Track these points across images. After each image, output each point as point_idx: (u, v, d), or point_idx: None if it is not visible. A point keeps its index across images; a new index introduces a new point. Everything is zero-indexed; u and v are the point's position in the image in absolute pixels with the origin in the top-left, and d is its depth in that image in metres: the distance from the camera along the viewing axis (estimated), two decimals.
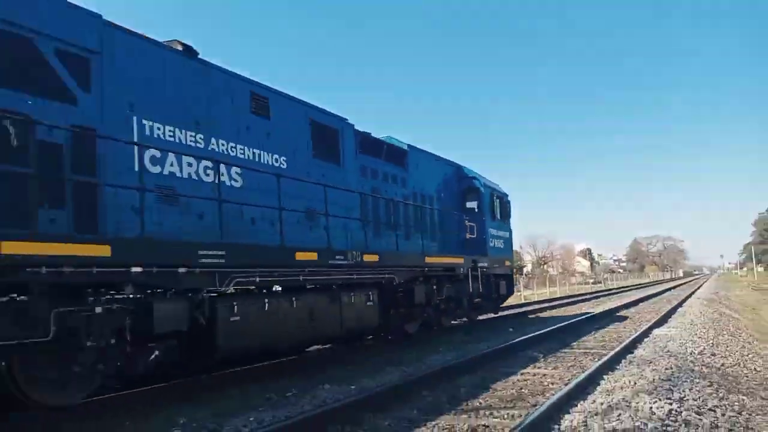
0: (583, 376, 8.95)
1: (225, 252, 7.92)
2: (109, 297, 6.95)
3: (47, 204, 6.68)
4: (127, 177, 7.60)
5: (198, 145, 8.85)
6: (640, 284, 70.83)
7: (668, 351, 11.65)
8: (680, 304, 25.26)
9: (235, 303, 8.28)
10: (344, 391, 8.54)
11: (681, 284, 64.84)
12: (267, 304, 8.81)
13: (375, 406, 7.40)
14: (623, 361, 10.65)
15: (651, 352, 11.58)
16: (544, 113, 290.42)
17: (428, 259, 13.19)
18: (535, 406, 7.47)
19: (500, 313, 20.21)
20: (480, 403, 7.82)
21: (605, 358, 10.41)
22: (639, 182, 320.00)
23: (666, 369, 9.73)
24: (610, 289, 50.10)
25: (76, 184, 7.00)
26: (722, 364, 10.86)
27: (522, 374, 9.86)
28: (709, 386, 8.63)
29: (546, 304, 27.41)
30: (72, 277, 6.30)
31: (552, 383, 9.11)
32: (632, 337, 13.49)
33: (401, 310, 13.02)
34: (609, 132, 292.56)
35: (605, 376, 9.31)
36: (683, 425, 6.58)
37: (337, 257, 10.11)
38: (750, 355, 12.60)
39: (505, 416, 7.19)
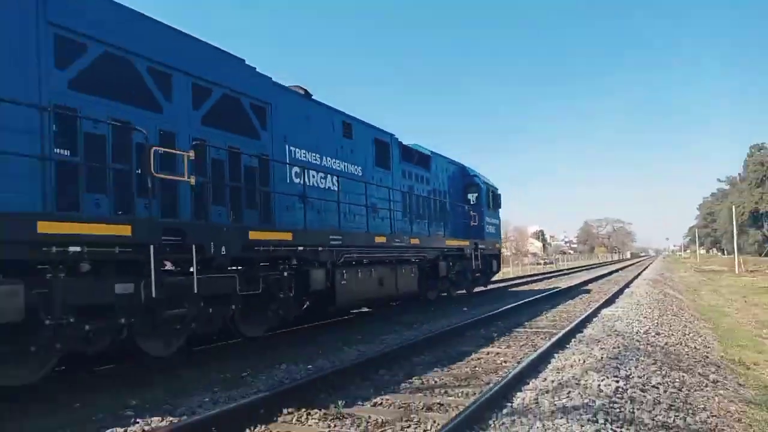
0: (534, 354, 9.27)
1: (341, 237, 11.65)
2: (285, 266, 10.35)
3: (250, 207, 10.01)
4: (284, 186, 10.97)
5: (316, 162, 12.21)
6: (589, 265, 72.42)
7: (616, 330, 12.10)
8: (627, 285, 26.08)
9: (344, 271, 11.99)
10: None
11: (628, 265, 66.38)
12: (360, 273, 12.62)
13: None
14: (573, 340, 11.02)
15: (600, 331, 12.01)
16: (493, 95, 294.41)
17: (447, 242, 17.32)
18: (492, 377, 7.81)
19: (479, 288, 22.67)
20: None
21: (556, 338, 10.78)
22: (590, 167, 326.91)
23: (613, 348, 10.12)
24: (561, 270, 51.14)
25: (262, 193, 10.28)
26: (666, 343, 11.34)
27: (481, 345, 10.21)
28: (653, 364, 9.04)
29: (503, 284, 28.74)
30: (275, 252, 9.89)
31: (505, 361, 9.44)
32: (582, 316, 13.93)
33: (428, 281, 16.84)
34: (557, 118, 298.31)
35: (556, 355, 9.66)
36: (629, 402, 6.91)
37: (396, 240, 13.86)
38: (691, 334, 13.19)
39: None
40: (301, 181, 11.54)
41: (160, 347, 8.20)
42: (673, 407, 6.98)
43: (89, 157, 7.29)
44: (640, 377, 8.10)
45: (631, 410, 6.56)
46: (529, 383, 7.65)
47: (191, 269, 8.17)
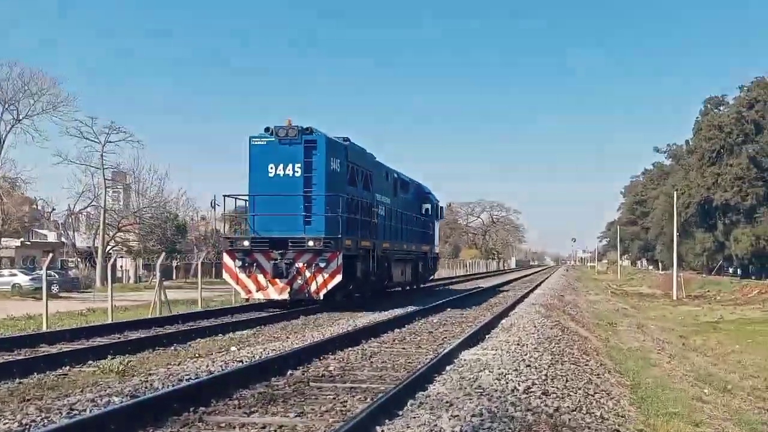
0: None
1: (395, 245, 37.81)
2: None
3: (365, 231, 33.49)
4: (378, 218, 35.40)
5: (385, 201, 37.19)
6: (449, 279, 73.54)
7: (479, 387, 11.87)
8: (506, 312, 26.56)
9: (393, 262, 37.51)
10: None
11: (511, 280, 68.34)
12: (395, 264, 38.25)
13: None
14: (410, 402, 10.67)
15: (453, 387, 11.73)
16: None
17: (422, 247, 44.96)
18: None
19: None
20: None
21: (381, 400, 10.33)
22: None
23: (473, 416, 9.83)
24: None
25: (371, 223, 34.45)
26: (557, 409, 11.25)
27: None
28: None
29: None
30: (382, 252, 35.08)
31: None
32: (428, 363, 13.67)
33: (411, 274, 42.88)
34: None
35: (379, 429, 9.22)
36: None
37: (405, 246, 40.25)
38: (597, 395, 13.29)
39: None
40: (380, 212, 35.51)
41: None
42: None
43: (357, 214, 31.71)
44: None
45: None
46: None
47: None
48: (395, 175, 39.70)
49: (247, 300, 29.69)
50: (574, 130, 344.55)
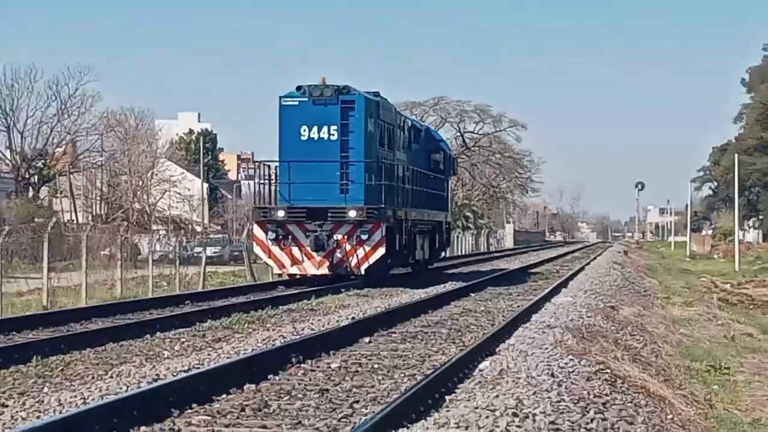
0: None
1: (419, 213, 32.35)
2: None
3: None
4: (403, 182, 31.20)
5: (402, 159, 31.64)
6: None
7: None
8: (492, 343, 16.80)
9: (417, 235, 32.39)
10: None
11: (495, 271, 57.68)
12: (418, 237, 33.04)
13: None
14: None
15: None
16: None
17: (438, 216, 36.49)
18: None
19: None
20: None
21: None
22: None
23: None
24: None
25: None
26: None
27: None
28: None
29: None
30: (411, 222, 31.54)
31: None
32: None
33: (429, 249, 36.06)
34: None
35: None
36: None
37: (426, 214, 34.09)
38: None
39: None
40: (400, 174, 30.64)
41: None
42: None
43: (390, 180, 29.04)
44: None
45: None
46: None
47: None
48: (409, 124, 34.61)
49: (281, 275, 28.55)
50: None
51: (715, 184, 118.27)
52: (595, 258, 64.08)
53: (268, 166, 28.93)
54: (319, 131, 26.71)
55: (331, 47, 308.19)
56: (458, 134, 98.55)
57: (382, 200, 27.12)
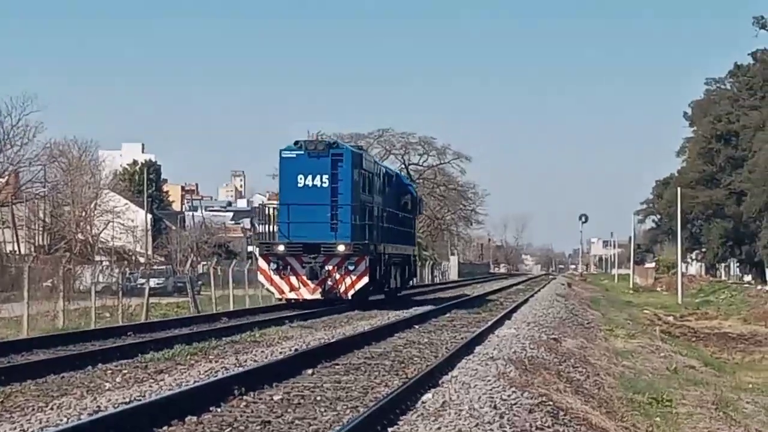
0: None
1: (392, 248, 37.40)
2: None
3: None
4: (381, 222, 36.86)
5: (379, 201, 36.44)
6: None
7: None
8: (432, 377, 14.02)
9: (392, 266, 37.81)
10: None
11: (449, 299, 47.16)
12: (393, 268, 38.38)
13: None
14: None
15: None
16: None
17: (407, 249, 42.15)
18: None
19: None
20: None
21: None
22: None
23: None
24: None
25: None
26: None
27: None
28: None
29: None
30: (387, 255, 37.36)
31: None
32: None
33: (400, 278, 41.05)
34: None
35: None
36: None
37: (398, 248, 39.44)
38: None
39: None
40: (376, 214, 35.06)
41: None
42: None
43: (371, 220, 34.28)
44: None
45: None
46: None
47: None
48: (384, 170, 39.97)
49: (281, 300, 32.62)
50: None
51: (659, 216, 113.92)
52: (539, 290, 63.58)
53: (269, 208, 35.90)
54: (313, 179, 31.49)
55: (276, 77, 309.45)
56: (403, 166, 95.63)
57: (365, 237, 32.25)
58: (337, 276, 31.01)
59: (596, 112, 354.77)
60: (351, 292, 31.18)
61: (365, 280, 31.30)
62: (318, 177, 31.51)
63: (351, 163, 32.31)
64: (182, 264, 63.42)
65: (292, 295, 31.49)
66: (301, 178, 31.54)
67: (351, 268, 30.85)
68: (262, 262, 32.25)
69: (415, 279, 53.80)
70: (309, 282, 30.90)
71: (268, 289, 33.92)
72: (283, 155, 32.47)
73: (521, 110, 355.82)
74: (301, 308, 30.39)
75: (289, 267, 31.01)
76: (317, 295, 31.05)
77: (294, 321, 25.85)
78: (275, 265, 31.10)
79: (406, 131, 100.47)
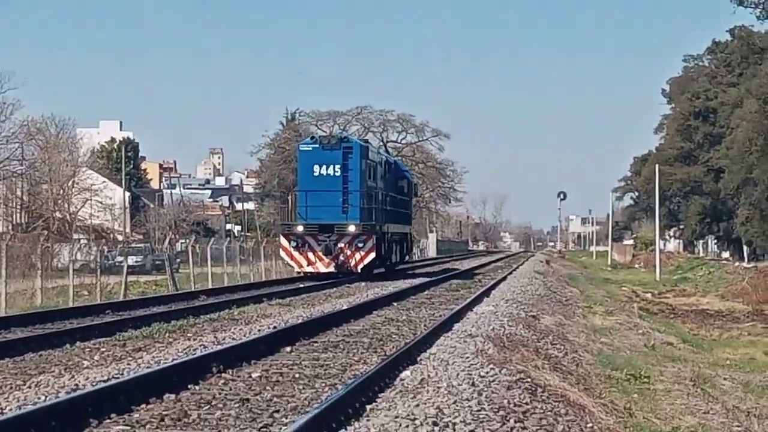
0: None
1: (392, 227, 42.73)
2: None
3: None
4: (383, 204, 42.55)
5: (381, 186, 41.73)
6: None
7: None
8: (411, 356, 16.68)
9: (393, 243, 43.81)
10: None
11: (431, 277, 54.14)
12: (394, 245, 44.24)
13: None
14: None
15: None
16: None
17: (404, 228, 48.30)
18: None
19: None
20: None
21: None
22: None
23: None
24: None
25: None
26: None
27: None
28: None
29: None
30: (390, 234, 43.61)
31: None
32: None
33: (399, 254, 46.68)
34: None
35: None
36: None
37: (397, 227, 44.92)
38: None
39: None
40: (380, 198, 40.29)
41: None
42: None
43: (376, 203, 39.57)
44: None
45: None
46: None
47: None
48: (384, 159, 45.53)
49: (299, 273, 37.31)
50: None
51: (637, 194, 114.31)
52: (517, 267, 62.72)
53: (291, 193, 40.58)
54: (326, 169, 36.15)
55: (256, 50, 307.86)
56: (381, 144, 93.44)
57: (372, 219, 36.91)
58: (348, 252, 35.32)
59: (575, 90, 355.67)
60: (360, 266, 35.60)
61: (372, 255, 35.85)
62: (331, 167, 36.02)
63: (359, 154, 36.98)
64: (160, 242, 62.98)
65: (309, 269, 35.84)
66: (316, 168, 36.08)
67: (360, 245, 35.31)
68: (283, 241, 36.79)
69: (410, 254, 58.48)
70: (324, 257, 35.26)
71: (288, 264, 39.16)
72: (301, 148, 38.29)
73: (500, 88, 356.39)
74: (286, 285, 34.53)
75: (307, 245, 35.50)
76: (331, 269, 35.36)
77: (273, 299, 25.91)
78: (295, 243, 35.65)
79: (385, 108, 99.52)
